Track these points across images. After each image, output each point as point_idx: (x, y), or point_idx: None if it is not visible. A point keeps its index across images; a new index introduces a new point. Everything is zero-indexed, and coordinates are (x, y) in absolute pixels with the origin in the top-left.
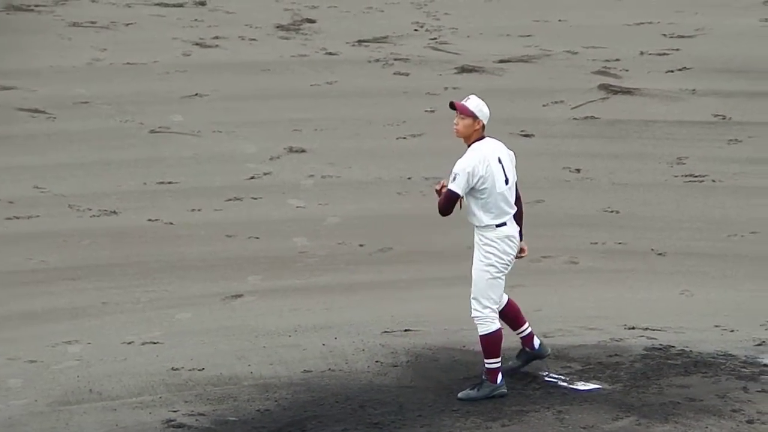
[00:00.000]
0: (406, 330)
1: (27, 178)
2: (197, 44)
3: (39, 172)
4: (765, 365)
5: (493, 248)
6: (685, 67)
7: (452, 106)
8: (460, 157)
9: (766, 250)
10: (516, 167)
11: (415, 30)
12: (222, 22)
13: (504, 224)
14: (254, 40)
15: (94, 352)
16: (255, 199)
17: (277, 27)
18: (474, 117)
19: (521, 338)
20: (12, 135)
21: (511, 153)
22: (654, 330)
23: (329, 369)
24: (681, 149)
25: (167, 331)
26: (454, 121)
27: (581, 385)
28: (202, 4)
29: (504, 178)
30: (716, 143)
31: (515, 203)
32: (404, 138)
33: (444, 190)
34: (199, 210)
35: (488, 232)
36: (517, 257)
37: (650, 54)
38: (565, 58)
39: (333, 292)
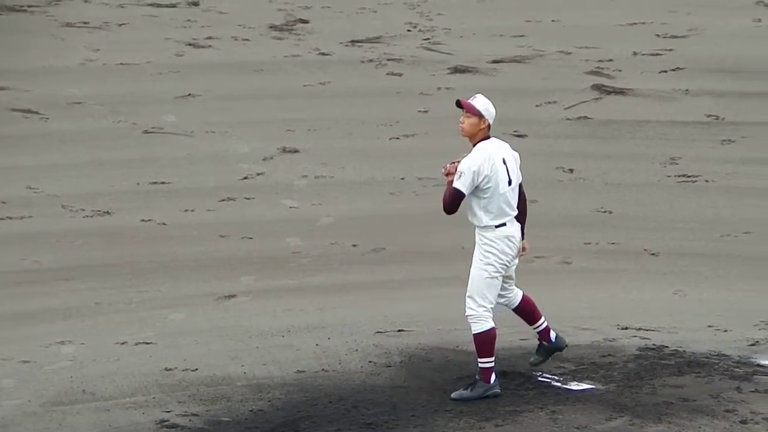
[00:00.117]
0: (399, 330)
1: (20, 178)
2: (190, 44)
3: (32, 173)
4: (758, 365)
5: (492, 248)
6: (678, 68)
7: (459, 104)
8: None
9: (759, 250)
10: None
11: (408, 30)
12: (215, 23)
13: (504, 225)
14: (247, 40)
15: (88, 353)
16: (248, 199)
17: (270, 27)
18: (480, 116)
19: (538, 333)
20: (5, 135)
21: (516, 154)
22: (647, 330)
23: (322, 369)
24: (674, 149)
25: (160, 332)
26: (460, 119)
27: (575, 385)
28: (195, 4)
29: (507, 179)
30: (709, 143)
31: (519, 202)
32: (397, 138)
33: (450, 177)
34: (192, 210)
35: (488, 232)
36: (519, 256)
37: (643, 54)
38: (558, 58)
39: (326, 292)
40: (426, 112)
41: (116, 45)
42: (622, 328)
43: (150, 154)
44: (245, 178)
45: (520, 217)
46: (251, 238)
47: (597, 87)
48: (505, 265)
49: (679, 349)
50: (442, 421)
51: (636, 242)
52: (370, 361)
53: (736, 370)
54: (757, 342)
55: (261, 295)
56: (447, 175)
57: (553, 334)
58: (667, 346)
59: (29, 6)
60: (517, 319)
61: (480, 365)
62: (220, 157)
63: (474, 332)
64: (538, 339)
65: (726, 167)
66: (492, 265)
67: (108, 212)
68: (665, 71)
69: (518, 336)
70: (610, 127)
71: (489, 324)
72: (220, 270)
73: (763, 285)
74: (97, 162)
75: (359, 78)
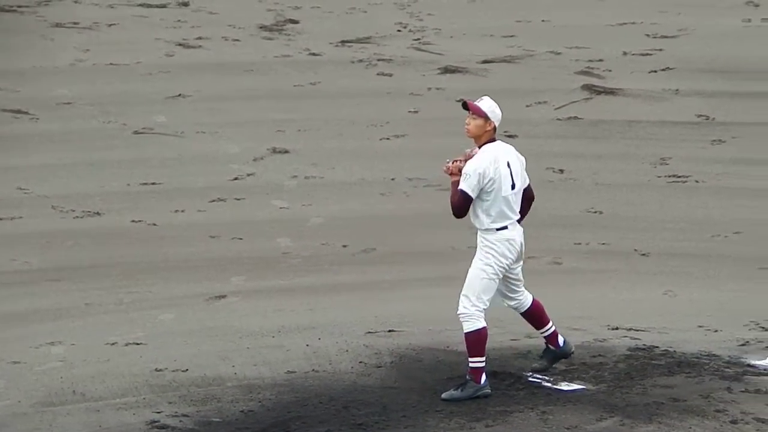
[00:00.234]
0: (389, 331)
1: (10, 179)
2: (180, 45)
3: (22, 173)
4: (748, 365)
5: (492, 250)
6: (668, 68)
7: (465, 105)
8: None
9: (749, 251)
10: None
11: (399, 30)
12: (205, 23)
13: (505, 228)
14: (237, 40)
15: (78, 353)
16: (238, 199)
17: (261, 27)
18: (486, 118)
19: (545, 337)
20: None
21: (522, 158)
22: (638, 330)
23: (313, 370)
24: (664, 149)
25: (151, 332)
26: (466, 121)
27: (565, 386)
28: (185, 4)
29: (510, 183)
30: (699, 143)
31: (523, 202)
32: (387, 139)
33: (454, 178)
34: (182, 211)
35: (489, 235)
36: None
37: (633, 54)
38: (548, 58)
39: (316, 292)
40: (416, 112)
41: (106, 45)
42: (613, 329)
43: (140, 155)
44: (235, 178)
45: (520, 217)
46: (241, 239)
47: (587, 87)
48: (504, 268)
49: (669, 349)
50: (433, 421)
51: (626, 242)
52: (360, 362)
53: (727, 370)
54: (748, 342)
55: (251, 295)
56: (451, 174)
57: (561, 339)
58: (657, 347)
59: (19, 6)
60: (507, 319)
61: (471, 365)
62: (210, 157)
63: (465, 331)
64: (546, 343)
65: (716, 167)
66: (491, 266)
67: (98, 213)
68: (655, 71)
69: (508, 336)
70: (600, 128)
71: (481, 323)
72: (210, 270)
73: (753, 285)
74: (87, 162)
75: (349, 78)
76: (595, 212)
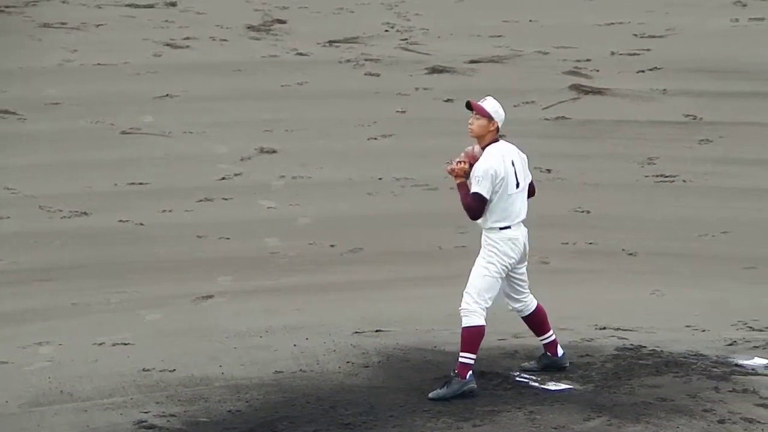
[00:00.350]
0: (377, 330)
1: None
2: (168, 45)
3: (9, 173)
4: (736, 365)
5: (495, 249)
6: (655, 67)
7: (469, 106)
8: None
9: (737, 250)
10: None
11: (386, 31)
12: (193, 23)
13: (508, 227)
14: (225, 40)
15: (65, 354)
16: (226, 199)
17: (248, 28)
18: (489, 118)
19: (544, 345)
20: None
21: (524, 156)
22: (625, 330)
23: (300, 370)
24: (652, 149)
25: (138, 332)
26: (469, 121)
27: (553, 386)
28: (173, 5)
29: (515, 182)
30: (687, 143)
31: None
32: (375, 138)
33: (459, 180)
34: (170, 211)
35: (492, 234)
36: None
37: (621, 54)
38: (536, 58)
39: (304, 292)
40: (404, 112)
41: (94, 45)
42: (600, 328)
43: (128, 155)
44: (223, 178)
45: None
46: (229, 239)
47: (575, 87)
48: (507, 267)
49: (656, 349)
50: (420, 421)
51: (614, 242)
52: (348, 362)
53: (714, 369)
54: (735, 342)
55: (239, 295)
56: (456, 176)
57: (560, 350)
58: (644, 346)
59: (6, 6)
60: (494, 319)
61: (460, 359)
62: (197, 157)
63: (463, 325)
64: (544, 349)
65: (704, 167)
66: (494, 264)
67: (86, 213)
68: (643, 71)
69: (495, 336)
70: (588, 127)
71: (480, 321)
72: (197, 270)
73: (741, 285)
74: (75, 162)
75: (337, 78)
76: (583, 212)
